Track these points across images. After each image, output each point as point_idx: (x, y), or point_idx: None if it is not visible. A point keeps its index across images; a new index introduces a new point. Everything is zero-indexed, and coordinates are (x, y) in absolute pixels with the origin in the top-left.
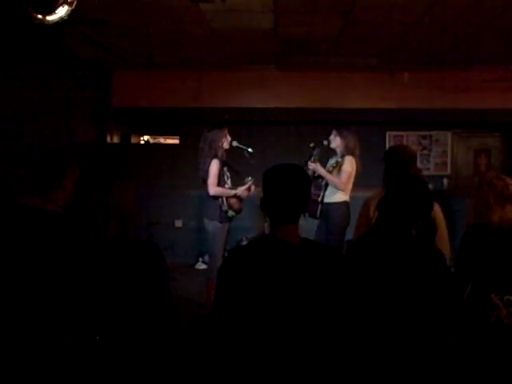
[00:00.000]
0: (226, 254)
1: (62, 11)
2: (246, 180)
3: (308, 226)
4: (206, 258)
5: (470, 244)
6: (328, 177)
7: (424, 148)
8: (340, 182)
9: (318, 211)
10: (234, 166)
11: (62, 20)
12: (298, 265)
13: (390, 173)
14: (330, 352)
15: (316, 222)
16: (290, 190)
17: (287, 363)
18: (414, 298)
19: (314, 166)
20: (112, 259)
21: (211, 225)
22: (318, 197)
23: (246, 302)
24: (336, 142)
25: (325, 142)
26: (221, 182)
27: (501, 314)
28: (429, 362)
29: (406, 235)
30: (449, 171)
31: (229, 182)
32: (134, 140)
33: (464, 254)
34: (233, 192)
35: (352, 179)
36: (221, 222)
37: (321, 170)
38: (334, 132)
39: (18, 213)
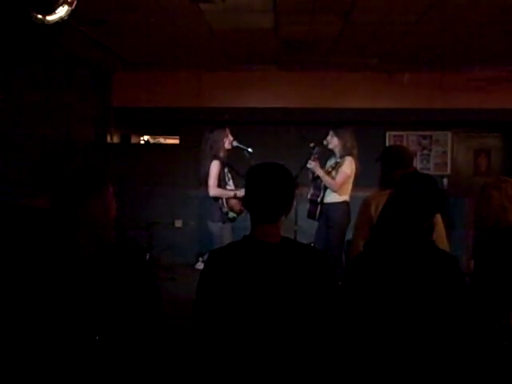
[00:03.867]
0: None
1: (62, 11)
2: None
3: (308, 226)
4: (207, 257)
5: (490, 247)
6: (324, 178)
7: (424, 148)
8: (334, 184)
9: (318, 213)
10: (235, 167)
11: (61, 20)
12: (276, 265)
13: (387, 173)
14: (313, 351)
15: (316, 222)
16: (271, 189)
17: (268, 363)
18: (428, 303)
19: (313, 165)
20: (94, 265)
21: (215, 226)
22: (318, 197)
23: (224, 304)
24: (333, 142)
25: (325, 142)
26: (221, 183)
27: None
28: (442, 364)
29: (419, 236)
30: (449, 171)
31: (230, 183)
32: (134, 140)
33: (484, 258)
34: (232, 193)
35: (351, 180)
36: (224, 223)
37: (318, 170)
38: (331, 132)
39: (21, 213)
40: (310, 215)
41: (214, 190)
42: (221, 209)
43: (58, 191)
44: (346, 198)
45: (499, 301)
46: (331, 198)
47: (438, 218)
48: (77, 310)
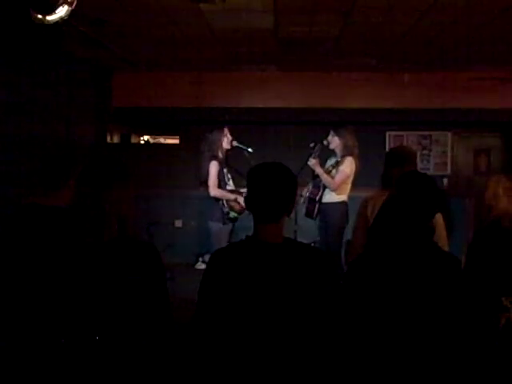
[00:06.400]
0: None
1: (62, 11)
2: None
3: (308, 226)
4: (206, 257)
5: (479, 247)
6: (323, 176)
7: (424, 148)
8: (333, 183)
9: (316, 211)
10: (235, 167)
11: (62, 20)
12: (278, 265)
13: (389, 173)
14: (314, 351)
15: (316, 221)
16: (272, 189)
17: (270, 363)
18: (430, 304)
19: (313, 163)
20: (110, 259)
21: (214, 226)
22: (317, 196)
23: (227, 305)
24: (334, 142)
25: (325, 142)
26: (221, 184)
27: (510, 316)
28: (443, 365)
29: (420, 237)
30: (449, 171)
31: (230, 183)
32: (134, 140)
33: (474, 257)
34: (233, 196)
35: (350, 180)
36: (224, 224)
37: (318, 169)
38: (332, 132)
39: (30, 211)
40: (308, 213)
41: (214, 191)
42: (221, 209)
43: (87, 178)
44: (344, 197)
45: (491, 300)
46: (329, 197)
47: (439, 218)
48: (82, 304)
